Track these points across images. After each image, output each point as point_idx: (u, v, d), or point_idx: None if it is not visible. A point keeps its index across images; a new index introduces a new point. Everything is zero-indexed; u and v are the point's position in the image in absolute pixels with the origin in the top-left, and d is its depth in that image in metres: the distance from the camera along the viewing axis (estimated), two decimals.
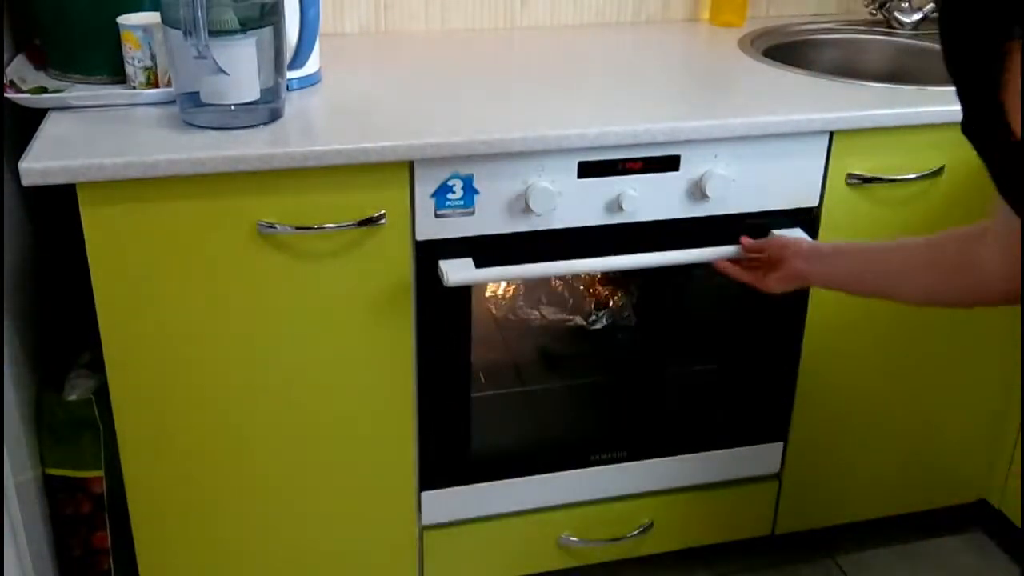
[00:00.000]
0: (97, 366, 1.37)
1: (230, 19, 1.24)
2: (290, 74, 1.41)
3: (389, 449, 1.48)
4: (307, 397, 1.41)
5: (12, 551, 1.29)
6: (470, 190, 1.34)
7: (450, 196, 1.34)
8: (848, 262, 1.24)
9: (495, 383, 1.67)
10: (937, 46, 1.95)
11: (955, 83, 0.65)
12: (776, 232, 1.44)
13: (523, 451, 1.61)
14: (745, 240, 1.40)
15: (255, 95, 1.28)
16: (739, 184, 1.42)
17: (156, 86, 1.37)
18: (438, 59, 1.68)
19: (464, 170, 1.33)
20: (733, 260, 1.40)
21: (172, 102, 1.34)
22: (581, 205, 1.39)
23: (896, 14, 1.91)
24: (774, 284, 1.33)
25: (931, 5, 1.89)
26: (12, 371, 1.31)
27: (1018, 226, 0.86)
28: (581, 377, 1.76)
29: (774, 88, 1.54)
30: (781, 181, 1.45)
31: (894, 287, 1.15)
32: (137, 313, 1.29)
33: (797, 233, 1.45)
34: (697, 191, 1.42)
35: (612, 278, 1.73)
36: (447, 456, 1.52)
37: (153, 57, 1.36)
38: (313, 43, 1.43)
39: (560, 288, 1.74)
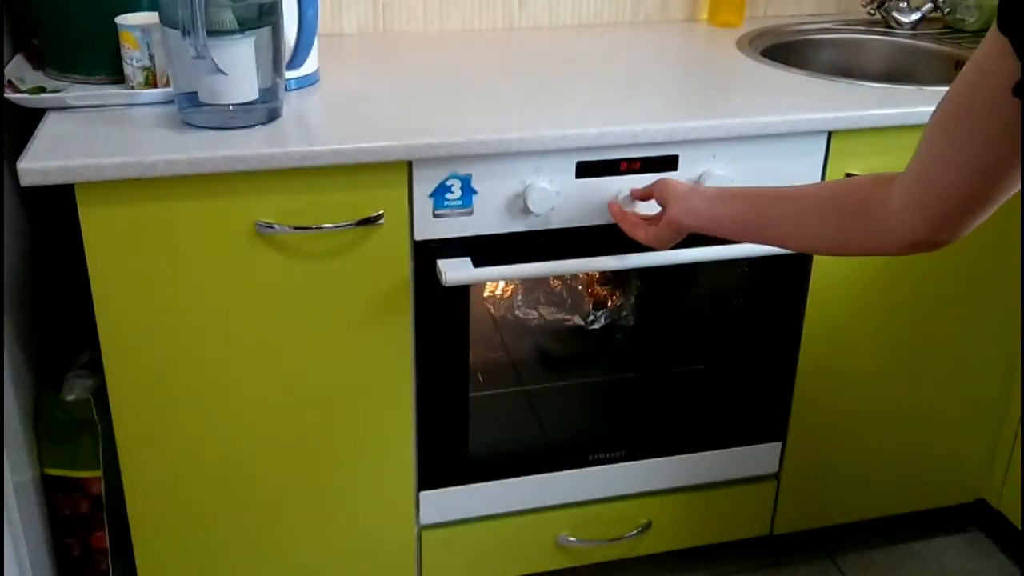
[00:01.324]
0: (95, 366, 1.36)
1: (228, 19, 1.24)
2: (288, 74, 1.41)
3: (387, 449, 1.48)
4: (305, 397, 1.41)
5: (11, 551, 1.29)
6: (468, 190, 1.34)
7: (448, 196, 1.34)
8: (732, 207, 1.17)
9: (493, 383, 1.67)
10: (935, 46, 1.94)
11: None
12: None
13: (521, 451, 1.61)
14: (633, 190, 1.37)
15: (253, 95, 1.28)
16: (738, 184, 1.41)
17: (154, 86, 1.37)
18: (436, 59, 1.68)
19: (462, 170, 1.33)
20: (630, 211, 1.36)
21: (170, 102, 1.34)
22: (579, 205, 1.39)
23: (895, 14, 1.90)
24: (656, 235, 1.28)
25: (929, 5, 1.89)
26: (11, 371, 1.31)
27: (933, 178, 0.84)
28: (579, 377, 1.76)
29: (772, 88, 1.54)
30: (780, 181, 1.44)
31: (781, 234, 1.09)
32: (135, 313, 1.29)
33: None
34: None
35: (610, 278, 1.73)
36: (445, 456, 1.52)
37: (151, 57, 1.36)
38: (311, 43, 1.43)
39: (558, 288, 1.74)
